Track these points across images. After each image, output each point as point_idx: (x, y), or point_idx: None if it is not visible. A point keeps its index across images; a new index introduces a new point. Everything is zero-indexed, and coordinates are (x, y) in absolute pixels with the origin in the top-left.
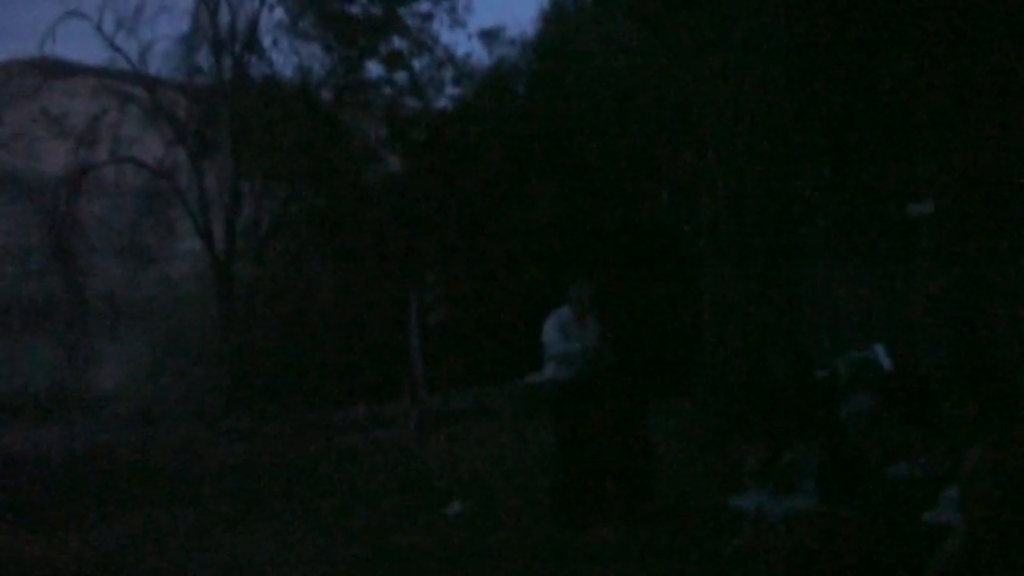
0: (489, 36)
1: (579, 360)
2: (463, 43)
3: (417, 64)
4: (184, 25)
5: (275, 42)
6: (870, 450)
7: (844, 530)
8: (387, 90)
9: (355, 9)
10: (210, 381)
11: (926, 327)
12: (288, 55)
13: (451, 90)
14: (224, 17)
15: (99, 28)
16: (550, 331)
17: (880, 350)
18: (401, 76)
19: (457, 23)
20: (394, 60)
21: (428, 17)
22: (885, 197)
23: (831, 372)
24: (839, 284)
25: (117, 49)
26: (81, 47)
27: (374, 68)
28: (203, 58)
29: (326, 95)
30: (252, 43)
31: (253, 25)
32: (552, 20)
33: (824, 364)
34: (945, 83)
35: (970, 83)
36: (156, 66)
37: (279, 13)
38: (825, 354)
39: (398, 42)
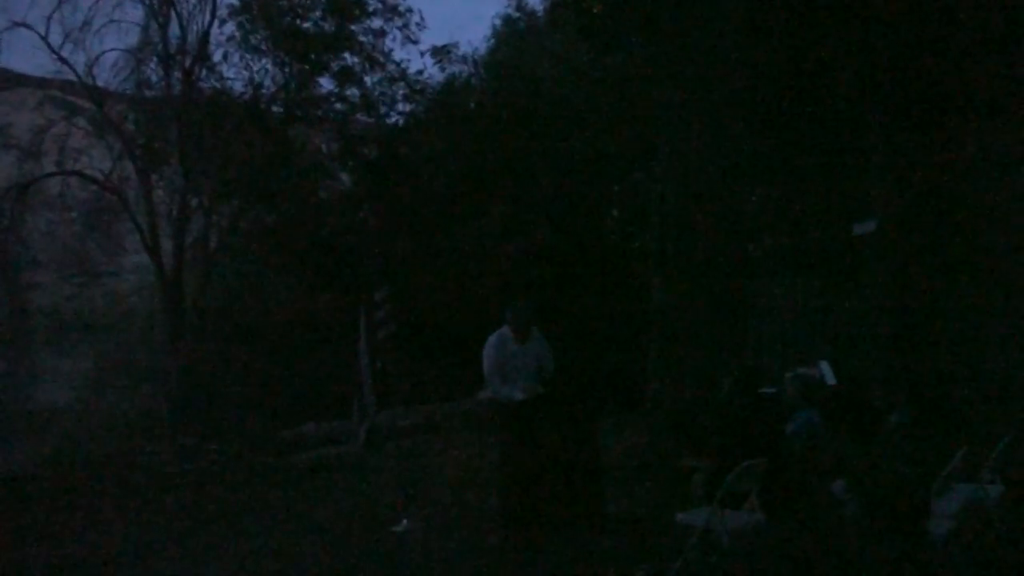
0: (441, 53)
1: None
2: (415, 60)
3: (369, 80)
4: (133, 38)
5: (225, 56)
6: (815, 465)
7: (788, 546)
8: (339, 106)
9: (307, 24)
10: (158, 397)
11: (870, 343)
12: (239, 70)
13: (403, 106)
14: (174, 30)
15: (46, 39)
16: (489, 365)
17: (825, 366)
18: (353, 92)
19: (409, 40)
20: (346, 76)
21: (380, 33)
22: (831, 216)
23: (778, 388)
24: (786, 301)
25: (64, 61)
26: (27, 58)
27: (326, 84)
28: (152, 71)
29: (277, 110)
30: (202, 57)
31: (204, 39)
32: (504, 38)
33: (771, 380)
34: (889, 107)
35: (913, 108)
36: (104, 78)
37: (230, 27)
38: (772, 370)
39: (350, 58)
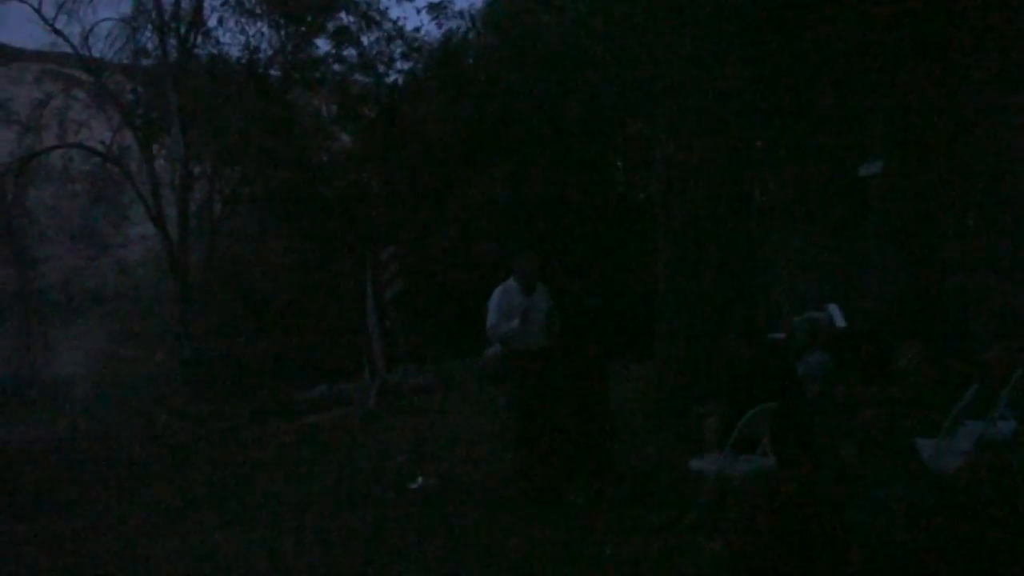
0: (438, 9)
1: (525, 332)
2: (412, 17)
3: (366, 40)
4: (126, 7)
5: (220, 21)
6: (826, 407)
7: (799, 488)
8: (336, 67)
9: None
10: (168, 365)
11: (879, 283)
12: (235, 34)
13: (401, 65)
14: None
15: (39, 12)
16: (492, 316)
17: (835, 309)
18: (350, 52)
19: None
20: (342, 36)
21: None
22: (836, 159)
23: (788, 333)
24: (793, 246)
25: (59, 33)
26: (23, 32)
27: (323, 45)
28: (148, 39)
29: (274, 74)
30: (197, 23)
31: (198, 4)
32: None
33: (781, 325)
34: (893, 46)
35: (917, 46)
36: (100, 49)
37: None
38: (782, 315)
39: (346, 18)
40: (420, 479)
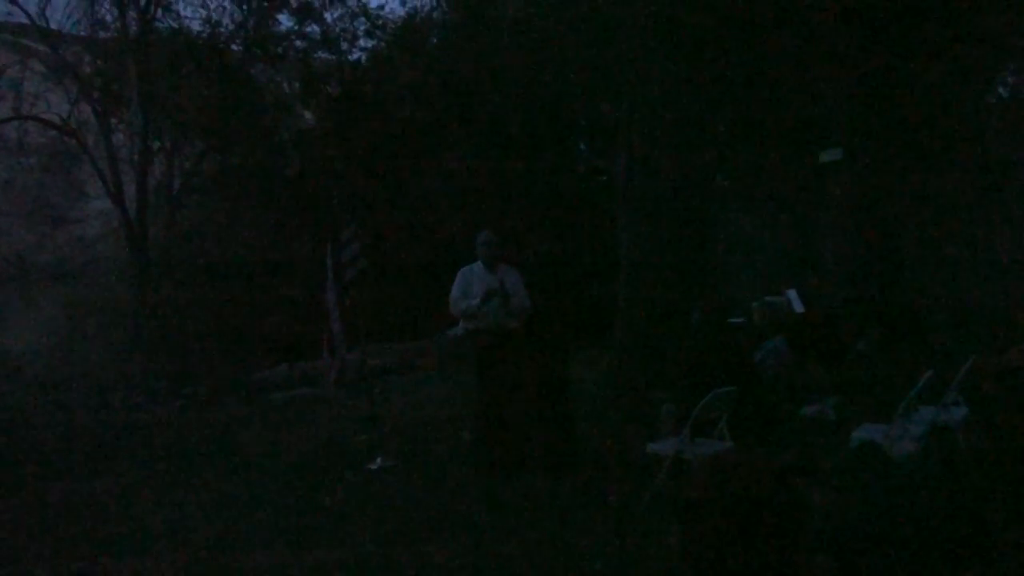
0: None
1: (490, 310)
2: None
3: (329, 16)
4: None
5: None
6: (783, 392)
7: (751, 469)
8: (299, 43)
9: None
10: (127, 343)
11: (837, 270)
12: (196, 8)
13: (364, 43)
14: None
15: None
16: (454, 290)
17: (793, 294)
18: (313, 29)
19: None
20: (305, 12)
21: None
22: (798, 145)
23: (746, 317)
24: (754, 231)
25: (15, 3)
26: None
27: (285, 21)
28: (107, 12)
29: (236, 49)
30: None
31: None
32: None
33: (739, 310)
34: (854, 34)
35: (878, 35)
36: (57, 20)
37: None
38: (741, 300)
39: None
40: (379, 460)
